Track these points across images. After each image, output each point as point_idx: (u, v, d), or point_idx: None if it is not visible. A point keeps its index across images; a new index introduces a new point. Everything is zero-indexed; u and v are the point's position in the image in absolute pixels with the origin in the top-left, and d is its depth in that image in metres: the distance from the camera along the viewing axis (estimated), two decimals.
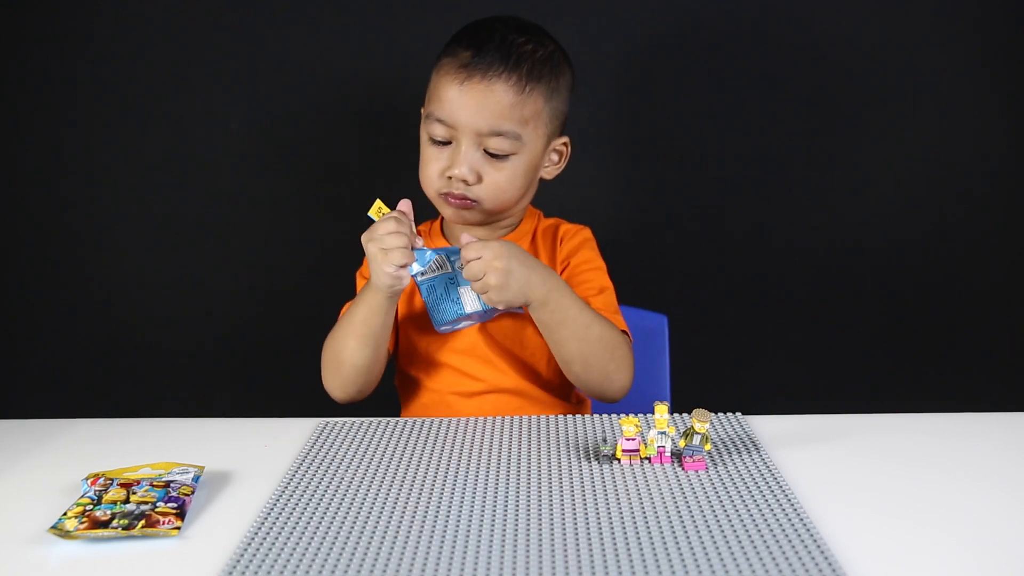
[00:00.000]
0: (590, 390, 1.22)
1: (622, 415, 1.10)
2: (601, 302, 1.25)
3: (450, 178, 1.21)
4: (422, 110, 1.27)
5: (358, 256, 1.36)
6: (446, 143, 1.22)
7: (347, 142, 1.84)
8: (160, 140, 1.83)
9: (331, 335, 1.26)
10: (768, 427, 1.08)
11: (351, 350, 1.22)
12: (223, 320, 1.89)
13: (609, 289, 1.27)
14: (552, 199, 1.37)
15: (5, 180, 1.85)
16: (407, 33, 1.78)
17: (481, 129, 1.19)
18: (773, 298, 1.87)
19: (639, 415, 1.11)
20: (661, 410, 0.98)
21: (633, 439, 0.98)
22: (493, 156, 1.21)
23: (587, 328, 1.17)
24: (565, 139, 1.28)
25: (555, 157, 1.28)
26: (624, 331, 1.23)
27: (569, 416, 1.13)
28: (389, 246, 1.12)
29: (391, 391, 1.44)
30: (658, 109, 1.83)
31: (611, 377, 1.19)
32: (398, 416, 1.33)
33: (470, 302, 1.18)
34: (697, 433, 0.97)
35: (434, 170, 1.22)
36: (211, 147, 1.84)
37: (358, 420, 1.14)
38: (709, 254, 1.86)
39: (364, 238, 1.15)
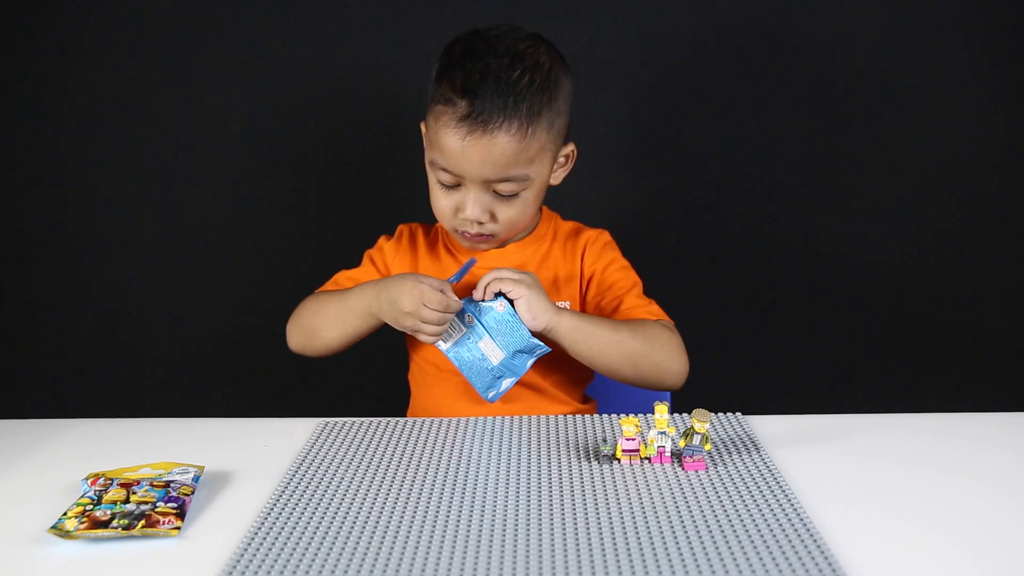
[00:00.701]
0: (650, 386, 1.21)
1: (622, 415, 1.10)
2: (636, 295, 1.26)
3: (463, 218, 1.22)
4: (422, 126, 1.25)
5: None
6: (454, 186, 1.21)
7: (347, 143, 1.83)
8: (160, 141, 1.83)
9: (316, 299, 1.26)
10: (768, 427, 1.08)
11: (326, 331, 1.25)
12: (223, 320, 1.89)
13: (639, 284, 1.29)
14: (551, 200, 1.37)
15: (5, 180, 1.85)
16: (407, 33, 1.78)
17: (488, 178, 1.18)
18: (773, 298, 1.87)
19: (639, 415, 1.11)
20: (661, 410, 0.98)
21: (633, 439, 0.98)
22: (503, 195, 1.21)
23: (615, 331, 1.17)
24: (571, 147, 1.27)
25: (562, 160, 1.27)
26: (662, 318, 1.23)
27: (569, 416, 1.13)
28: (428, 330, 1.14)
29: (391, 391, 1.44)
30: (658, 110, 1.83)
31: (663, 367, 1.19)
32: (402, 413, 1.33)
33: (491, 352, 1.15)
34: (697, 433, 0.97)
35: (446, 207, 1.22)
36: (211, 148, 1.84)
37: (359, 420, 1.14)
38: (709, 254, 1.86)
39: (415, 292, 1.13)
